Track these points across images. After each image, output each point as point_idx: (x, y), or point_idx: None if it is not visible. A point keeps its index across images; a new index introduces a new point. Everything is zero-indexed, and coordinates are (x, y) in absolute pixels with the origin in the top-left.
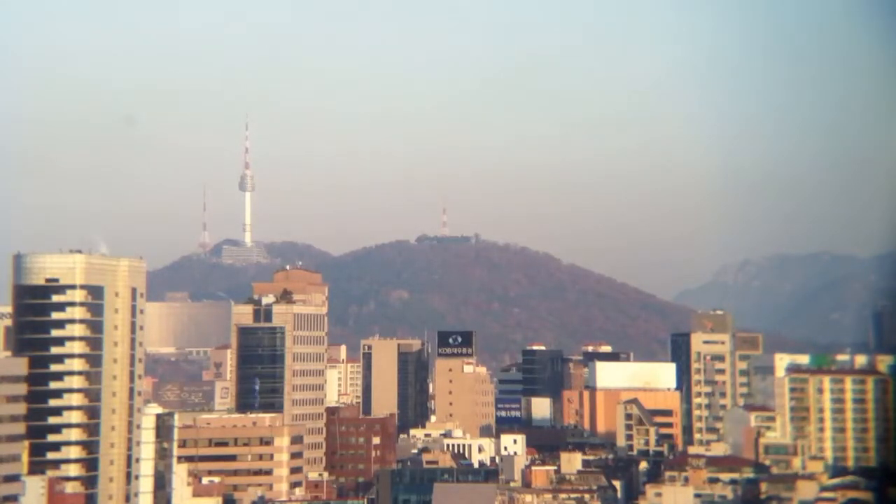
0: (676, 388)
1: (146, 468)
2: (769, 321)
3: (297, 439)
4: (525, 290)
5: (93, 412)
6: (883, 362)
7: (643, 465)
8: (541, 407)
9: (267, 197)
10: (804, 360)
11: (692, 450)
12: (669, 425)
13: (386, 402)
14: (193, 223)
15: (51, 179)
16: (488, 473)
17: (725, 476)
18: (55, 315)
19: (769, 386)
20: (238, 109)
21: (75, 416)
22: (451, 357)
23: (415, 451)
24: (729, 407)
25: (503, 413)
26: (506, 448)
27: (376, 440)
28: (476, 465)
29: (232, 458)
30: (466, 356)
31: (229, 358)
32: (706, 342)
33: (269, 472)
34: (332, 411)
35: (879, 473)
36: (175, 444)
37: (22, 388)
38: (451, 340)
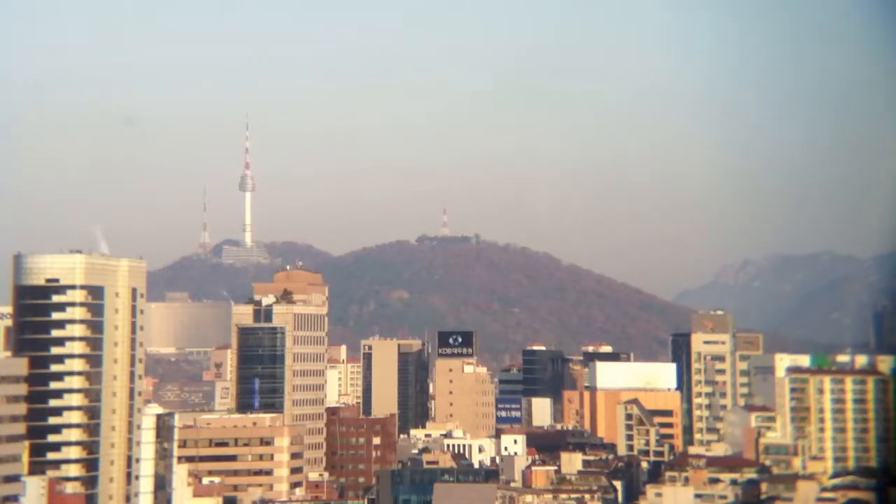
0: (677, 389)
1: (146, 468)
2: (769, 321)
3: (297, 439)
4: (525, 290)
5: (93, 412)
6: (883, 362)
7: (644, 465)
8: (541, 407)
9: (267, 197)
10: (804, 360)
11: (692, 450)
12: (670, 425)
13: (386, 403)
14: (193, 223)
15: (51, 180)
16: (488, 473)
17: (726, 476)
18: (55, 315)
19: (770, 386)
20: (238, 109)
21: (75, 417)
22: (452, 357)
23: (415, 451)
24: (729, 407)
25: (503, 413)
26: (506, 448)
27: (377, 440)
28: (476, 466)
29: (232, 458)
30: (467, 356)
31: (229, 358)
32: (706, 342)
33: (269, 473)
34: (332, 411)
35: (880, 473)
36: (175, 445)
37: (22, 389)
38: (451, 340)
